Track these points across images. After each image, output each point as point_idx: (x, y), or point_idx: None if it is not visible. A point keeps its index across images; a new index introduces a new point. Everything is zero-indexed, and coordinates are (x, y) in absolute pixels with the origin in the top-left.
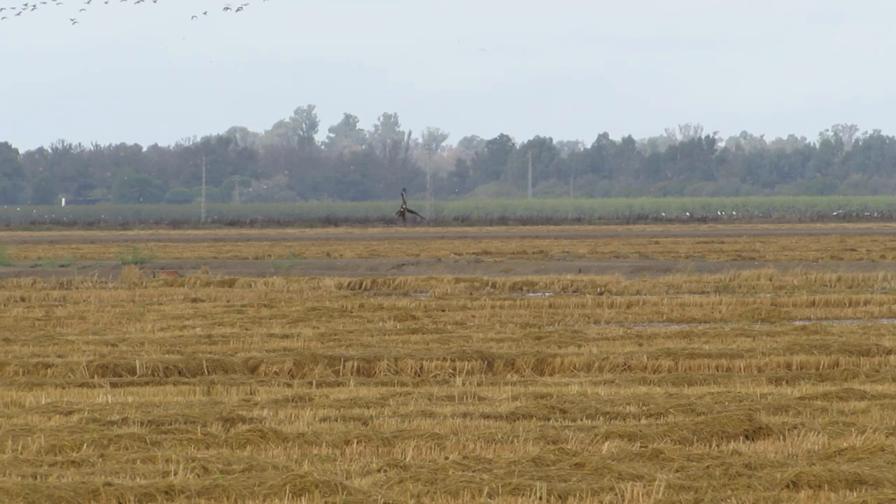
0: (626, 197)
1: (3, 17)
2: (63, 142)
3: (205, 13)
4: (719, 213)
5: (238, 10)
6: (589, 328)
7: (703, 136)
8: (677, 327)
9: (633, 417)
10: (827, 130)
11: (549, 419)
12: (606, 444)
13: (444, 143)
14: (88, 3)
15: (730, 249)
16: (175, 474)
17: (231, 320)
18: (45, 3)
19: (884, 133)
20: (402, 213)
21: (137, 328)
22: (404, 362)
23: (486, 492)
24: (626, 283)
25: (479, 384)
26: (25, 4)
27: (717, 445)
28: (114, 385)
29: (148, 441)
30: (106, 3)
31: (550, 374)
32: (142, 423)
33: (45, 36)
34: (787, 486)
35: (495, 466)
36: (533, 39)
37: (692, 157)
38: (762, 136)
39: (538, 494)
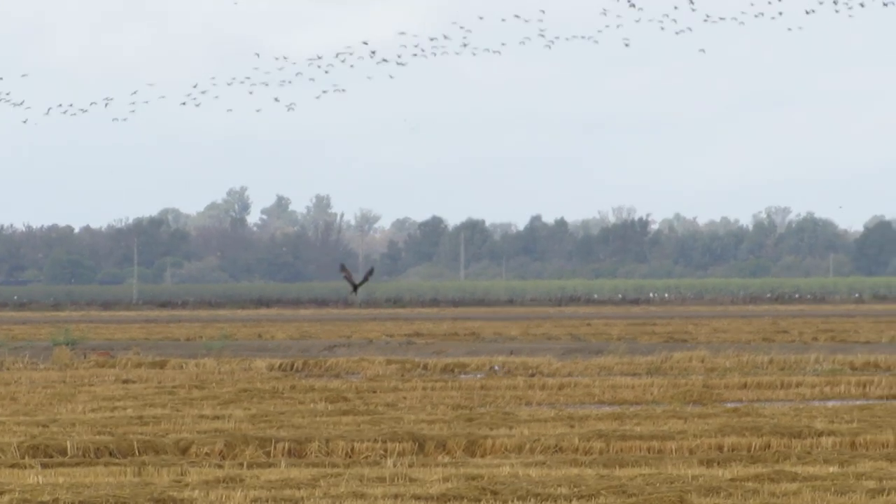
0: (558, 279)
1: (48, 114)
2: None
3: (193, 101)
4: (652, 295)
5: (289, 108)
6: (521, 410)
7: (636, 218)
8: (609, 409)
9: (565, 499)
10: (760, 212)
11: (480, 501)
12: None
13: (376, 225)
14: (134, 104)
15: (662, 331)
16: None
17: (162, 401)
18: (94, 103)
19: (816, 215)
20: (355, 287)
21: (69, 409)
22: (335, 443)
23: None
24: (557, 364)
25: (410, 465)
26: (71, 104)
27: None
28: (45, 466)
29: None
30: (146, 102)
31: (482, 456)
32: None
33: None
34: None
35: None
36: (466, 121)
37: (625, 239)
38: (695, 218)
39: None
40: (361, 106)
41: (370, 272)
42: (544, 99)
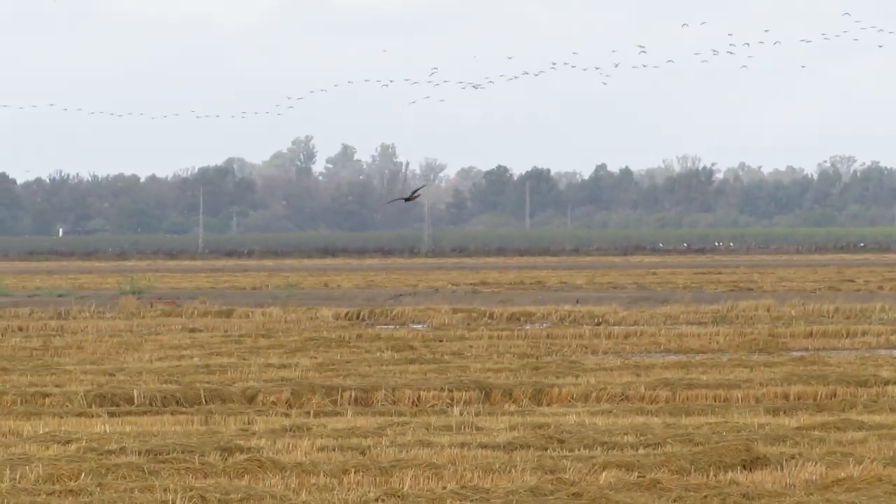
0: (623, 228)
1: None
2: (61, 172)
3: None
4: (717, 244)
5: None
6: (586, 358)
7: (700, 167)
8: (675, 358)
9: (631, 447)
10: (825, 161)
11: (546, 449)
12: (604, 473)
13: (441, 174)
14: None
15: (727, 280)
16: (173, 503)
17: (229, 350)
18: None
19: (882, 164)
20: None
21: (135, 358)
22: (402, 392)
23: None
24: (623, 313)
25: (476, 414)
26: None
27: (715, 475)
28: (112, 414)
29: (146, 470)
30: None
31: (548, 404)
32: (140, 453)
33: (43, 65)
34: None
35: (493, 496)
36: (530, 68)
37: (690, 189)
38: (760, 167)
39: None
40: (425, 55)
41: (418, 190)
42: (609, 46)
